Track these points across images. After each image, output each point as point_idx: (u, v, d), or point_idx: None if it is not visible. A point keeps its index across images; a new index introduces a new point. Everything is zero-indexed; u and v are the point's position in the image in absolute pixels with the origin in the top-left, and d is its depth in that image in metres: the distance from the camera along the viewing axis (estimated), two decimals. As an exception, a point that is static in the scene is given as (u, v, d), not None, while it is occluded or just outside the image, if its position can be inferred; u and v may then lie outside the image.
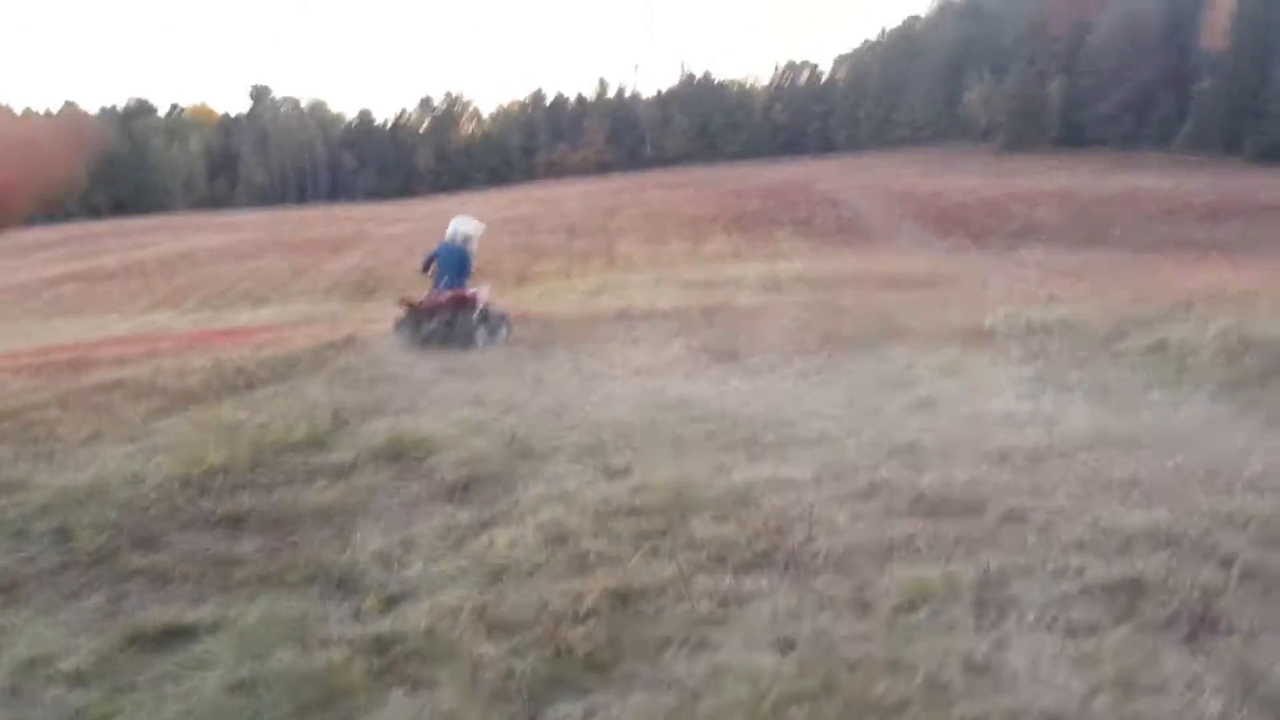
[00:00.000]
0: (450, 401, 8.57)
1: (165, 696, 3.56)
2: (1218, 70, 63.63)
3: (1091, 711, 3.01)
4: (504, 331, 12.50)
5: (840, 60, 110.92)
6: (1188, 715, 2.93)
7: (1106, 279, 18.70)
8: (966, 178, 50.89)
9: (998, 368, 8.87)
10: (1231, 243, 29.53)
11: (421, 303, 12.36)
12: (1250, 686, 3.10)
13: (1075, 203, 38.12)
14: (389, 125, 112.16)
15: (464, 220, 12.88)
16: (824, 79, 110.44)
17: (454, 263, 12.36)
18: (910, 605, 3.86)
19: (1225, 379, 7.80)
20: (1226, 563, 3.98)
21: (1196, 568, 3.95)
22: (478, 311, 12.11)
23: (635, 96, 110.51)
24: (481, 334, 11.99)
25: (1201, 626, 3.51)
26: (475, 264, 12.65)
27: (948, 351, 9.89)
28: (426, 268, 12.89)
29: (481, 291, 12.38)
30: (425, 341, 11.87)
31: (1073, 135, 72.60)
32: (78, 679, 3.76)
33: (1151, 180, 44.80)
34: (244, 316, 24.76)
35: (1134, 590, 3.80)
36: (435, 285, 12.40)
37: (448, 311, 12.03)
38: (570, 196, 54.37)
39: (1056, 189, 41.78)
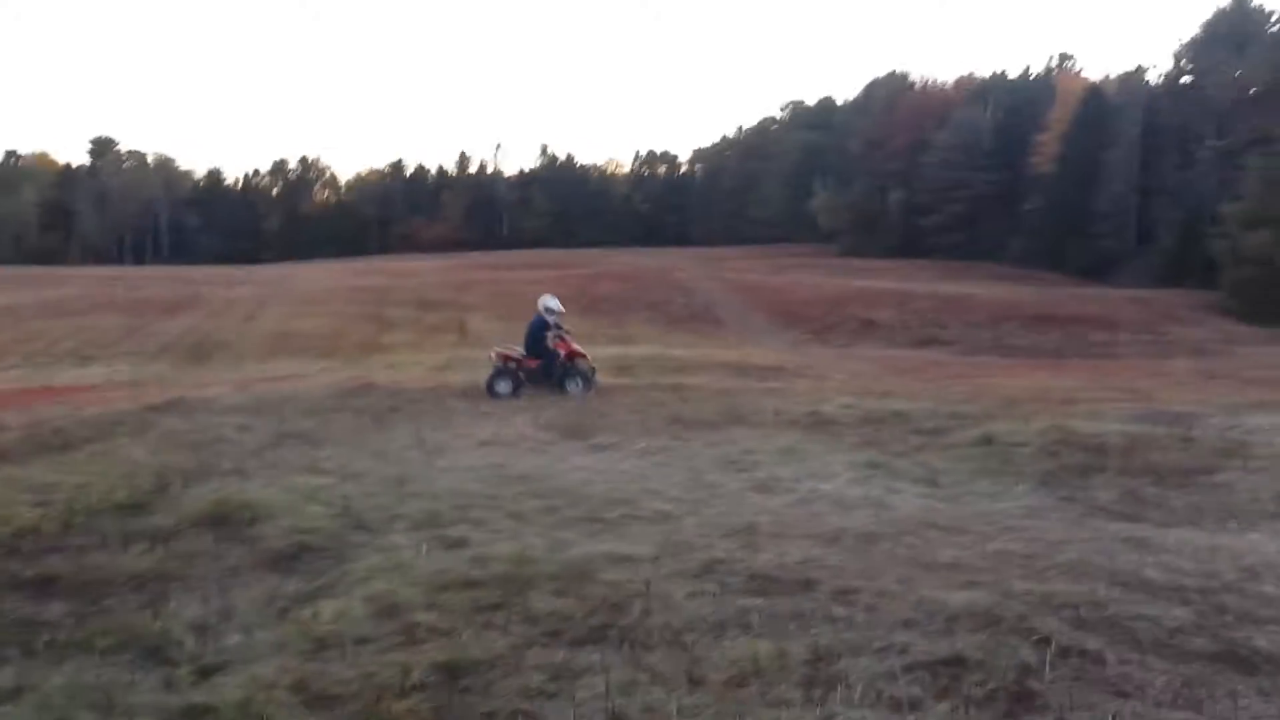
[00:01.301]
0: (284, 468, 8.29)
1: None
2: (1045, 191, 68.16)
3: (911, 785, 3.05)
4: (584, 383, 15.11)
5: (698, 154, 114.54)
6: (1002, 788, 3.00)
7: (939, 377, 19.55)
8: (812, 276, 52.82)
9: (834, 454, 9.12)
10: (1054, 349, 31.37)
11: (518, 355, 15.47)
12: (1061, 761, 3.20)
13: (911, 306, 39.91)
14: (239, 186, 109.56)
15: (547, 297, 15.97)
16: (682, 171, 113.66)
17: (534, 329, 15.53)
18: (741, 680, 3.88)
19: (1046, 472, 8.21)
20: (1042, 643, 4.14)
21: (1014, 647, 4.09)
22: (562, 363, 15.25)
23: (496, 174, 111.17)
24: (573, 384, 14.93)
25: (1018, 704, 3.62)
26: (552, 332, 15.46)
27: (787, 437, 10.13)
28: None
29: (567, 347, 15.49)
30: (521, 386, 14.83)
31: (910, 244, 76.37)
32: None
33: (982, 289, 47.36)
34: (68, 375, 23.45)
35: (955, 668, 3.90)
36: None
37: (540, 362, 15.19)
38: (424, 270, 53.89)
39: (894, 292, 43.69)
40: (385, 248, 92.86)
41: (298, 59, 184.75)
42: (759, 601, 4.80)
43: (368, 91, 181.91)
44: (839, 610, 4.63)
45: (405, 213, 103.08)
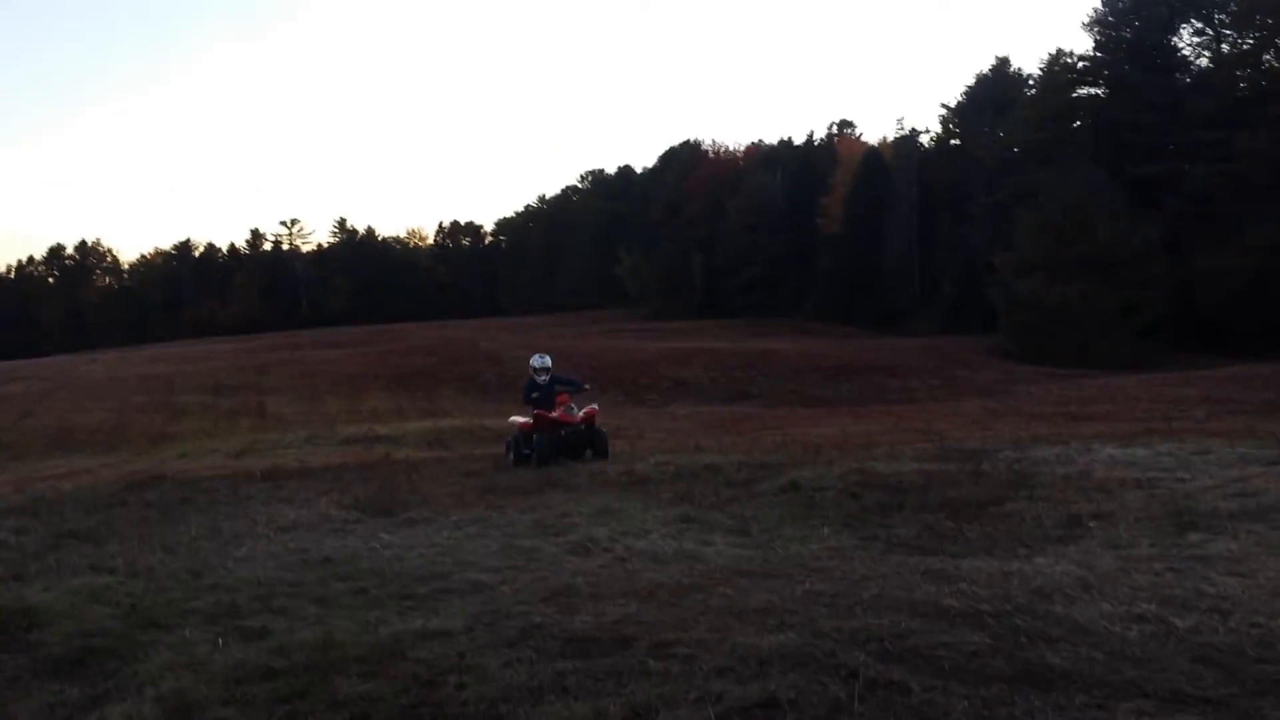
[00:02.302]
0: (65, 569, 7.69)
1: None
2: (834, 249, 71.75)
3: (731, 832, 3.04)
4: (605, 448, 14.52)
5: (502, 224, 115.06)
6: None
7: (748, 428, 20.07)
8: (622, 339, 53.60)
9: (649, 510, 9.17)
10: (853, 397, 32.78)
11: (563, 416, 14.41)
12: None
13: (719, 363, 41.02)
14: (11, 275, 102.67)
15: (536, 356, 15.27)
16: (487, 241, 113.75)
17: (552, 390, 14.80)
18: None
19: (848, 514, 8.50)
20: (850, 677, 4.24)
21: (825, 684, 4.17)
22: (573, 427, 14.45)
23: (293, 251, 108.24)
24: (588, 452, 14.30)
25: (830, 741, 3.68)
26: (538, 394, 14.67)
27: (603, 498, 10.14)
28: (532, 403, 14.68)
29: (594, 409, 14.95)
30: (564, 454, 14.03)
31: (714, 304, 78.83)
32: None
33: (783, 344, 49.23)
34: None
35: (770, 710, 3.95)
36: (569, 409, 14.53)
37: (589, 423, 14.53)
38: (217, 354, 51.71)
39: (703, 350, 44.85)
40: (175, 333, 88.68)
41: (74, 133, 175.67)
42: (576, 664, 4.74)
43: (150, 167, 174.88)
44: (655, 664, 4.62)
45: (195, 295, 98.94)
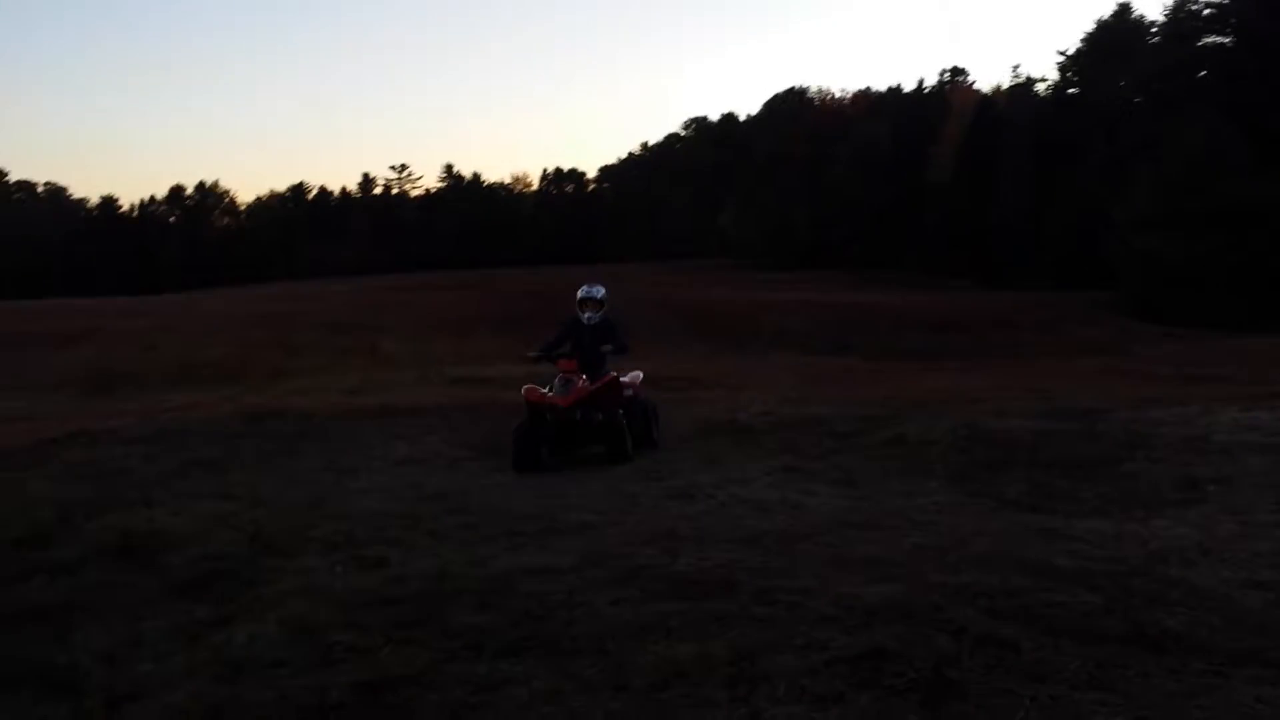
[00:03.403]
0: (192, 496, 8.07)
1: None
2: (943, 201, 69.94)
3: (837, 775, 3.08)
4: (657, 430, 10.54)
5: (605, 171, 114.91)
6: (924, 774, 3.05)
7: (852, 382, 19.87)
8: (723, 289, 53.29)
9: (751, 460, 9.20)
10: (957, 352, 32.10)
11: (552, 395, 9.75)
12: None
13: (822, 315, 40.53)
14: (135, 214, 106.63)
15: (586, 286, 10.70)
16: (590, 188, 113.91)
17: (596, 339, 10.22)
18: (665, 683, 3.87)
19: (956, 469, 8.39)
20: (959, 633, 4.21)
21: (931, 638, 4.16)
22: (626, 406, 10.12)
23: (401, 196, 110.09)
24: (629, 439, 9.78)
25: (937, 693, 3.68)
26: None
27: (706, 445, 10.21)
28: (545, 354, 10.39)
29: (629, 377, 10.59)
30: (557, 451, 9.76)
31: (817, 255, 77.65)
32: None
33: (888, 296, 48.37)
34: (-42, 411, 22.48)
35: (875, 660, 3.95)
36: (567, 380, 9.84)
37: (594, 405, 9.74)
38: (330, 294, 52.97)
39: (805, 302, 44.34)
40: (290, 273, 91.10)
41: (193, 80, 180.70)
42: (680, 605, 4.81)
43: (267, 112, 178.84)
44: (759, 610, 4.66)
45: (309, 237, 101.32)
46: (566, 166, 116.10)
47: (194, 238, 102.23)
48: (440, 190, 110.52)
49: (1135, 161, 51.02)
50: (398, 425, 13.05)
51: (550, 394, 9.70)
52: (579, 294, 10.53)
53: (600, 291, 10.51)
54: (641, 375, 10.98)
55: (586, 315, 10.43)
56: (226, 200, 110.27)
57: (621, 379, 10.26)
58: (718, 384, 20.21)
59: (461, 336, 36.70)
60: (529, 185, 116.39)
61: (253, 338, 34.49)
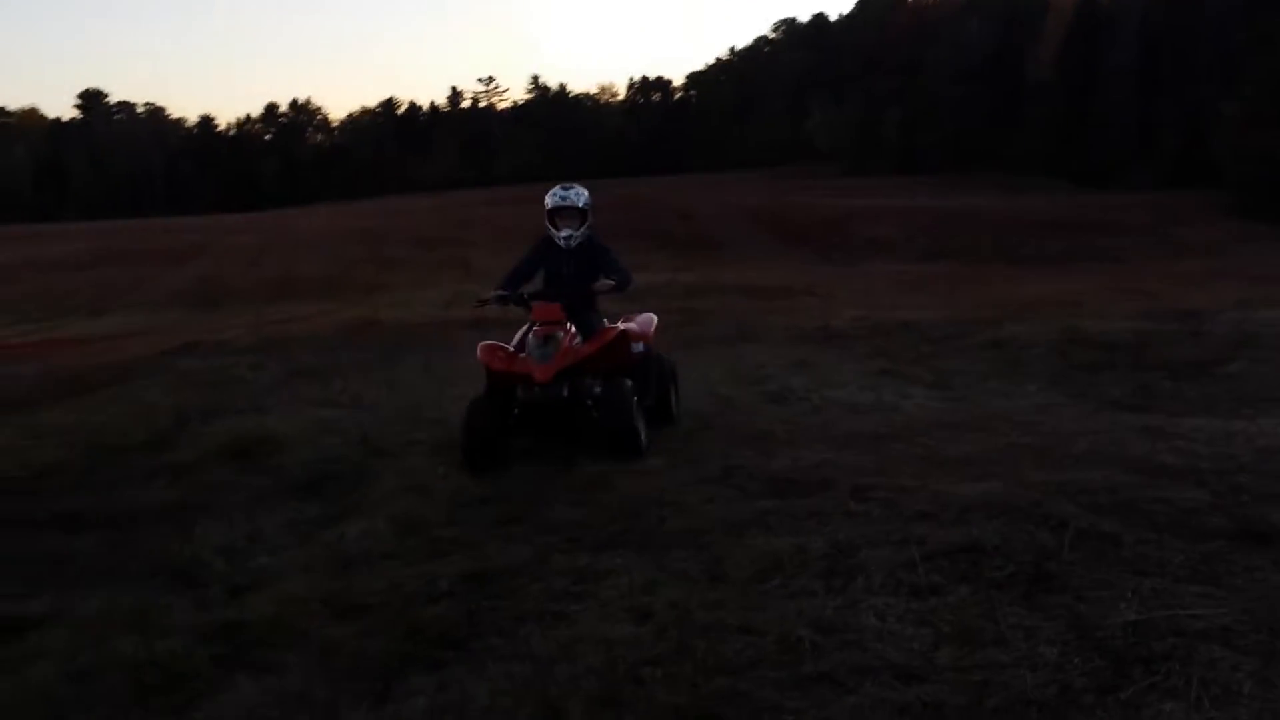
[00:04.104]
0: (299, 402, 8.36)
1: (-7, 690, 3.34)
2: (1044, 100, 67.32)
3: (935, 663, 3.11)
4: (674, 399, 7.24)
5: (692, 78, 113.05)
6: (1026, 663, 3.06)
7: (946, 288, 19.52)
8: (813, 196, 52.43)
9: (844, 364, 9.17)
10: (1060, 257, 31.25)
11: (526, 359, 6.27)
12: (1084, 635, 3.25)
13: (915, 221, 39.70)
14: (232, 133, 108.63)
15: (558, 190, 6.88)
16: (677, 96, 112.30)
17: (583, 269, 6.69)
18: (762, 575, 3.93)
19: (1056, 371, 8.25)
20: (1059, 528, 4.18)
21: (1031, 533, 4.13)
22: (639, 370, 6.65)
23: (489, 109, 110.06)
24: (641, 420, 6.27)
25: (1037, 585, 3.67)
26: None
27: (798, 351, 10.18)
28: (511, 294, 6.77)
29: (639, 325, 7.00)
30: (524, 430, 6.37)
31: (911, 160, 75.63)
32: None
33: (984, 200, 47.06)
34: (81, 326, 23.52)
35: (973, 554, 3.95)
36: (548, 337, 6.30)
37: (588, 374, 6.37)
38: (422, 209, 53.60)
39: (898, 207, 43.46)
40: (381, 189, 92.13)
41: None
42: (776, 502, 4.86)
43: (355, 28, 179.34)
44: (856, 506, 4.68)
45: (399, 152, 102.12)
46: (653, 75, 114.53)
47: (289, 155, 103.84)
48: (527, 102, 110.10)
49: (1245, 56, 48.36)
50: (491, 336, 13.21)
51: (525, 357, 6.21)
52: (549, 200, 6.68)
53: (583, 196, 6.69)
54: (655, 320, 7.13)
55: (564, 234, 6.60)
56: (319, 117, 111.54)
57: (628, 326, 6.76)
58: (808, 292, 20.06)
59: (551, 249, 36.91)
60: (615, 95, 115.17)
61: (348, 253, 35.20)
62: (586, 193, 6.69)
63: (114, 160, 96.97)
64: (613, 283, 6.41)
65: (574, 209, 6.61)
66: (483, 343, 6.46)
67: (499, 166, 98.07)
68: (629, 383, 6.19)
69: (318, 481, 5.93)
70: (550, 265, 6.68)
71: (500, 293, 6.64)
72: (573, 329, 6.27)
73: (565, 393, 6.12)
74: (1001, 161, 69.64)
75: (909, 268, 29.61)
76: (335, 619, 3.85)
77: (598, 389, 6.24)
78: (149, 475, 6.22)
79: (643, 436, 6.08)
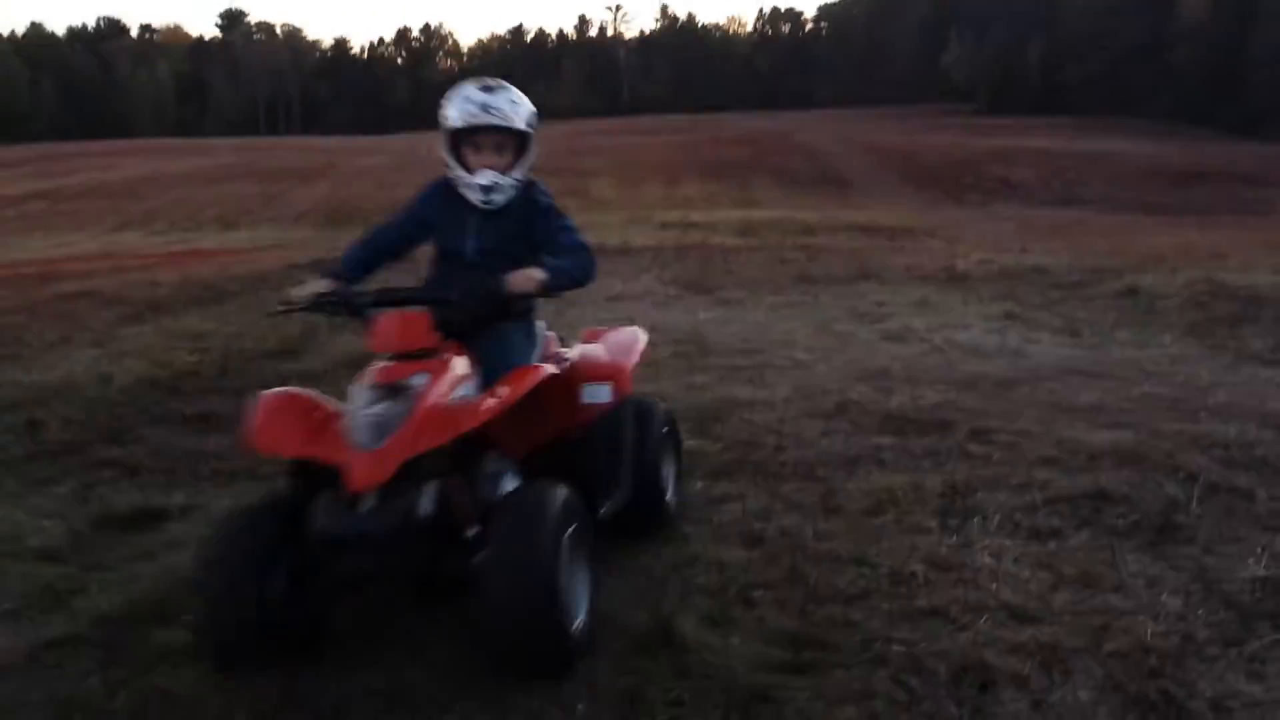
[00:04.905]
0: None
1: (136, 574, 3.56)
2: (1195, 40, 63.70)
3: (1052, 606, 3.07)
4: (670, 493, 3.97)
5: (824, 9, 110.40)
6: (1147, 611, 2.99)
7: (1080, 234, 18.81)
8: (945, 135, 50.82)
9: (968, 306, 8.96)
10: (1200, 206, 29.77)
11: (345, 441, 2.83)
12: (1209, 588, 3.17)
13: (1052, 163, 38.22)
14: (365, 56, 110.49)
15: (467, 92, 3.42)
16: (807, 29, 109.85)
17: (501, 249, 3.35)
18: (876, 509, 3.92)
19: (1193, 322, 7.91)
20: (1189, 480, 4.06)
21: (1160, 484, 4.02)
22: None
23: (616, 38, 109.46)
24: (583, 577, 2.97)
25: (1163, 535, 3.58)
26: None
27: (920, 291, 9.97)
28: (344, 292, 3.35)
29: (604, 354, 3.91)
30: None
31: (1050, 99, 72.61)
32: (47, 556, 3.75)
33: (1127, 144, 45.00)
34: (214, 239, 24.44)
35: (1097, 501, 3.87)
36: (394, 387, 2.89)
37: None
38: (545, 136, 53.54)
39: (1033, 149, 41.86)
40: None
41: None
42: (892, 440, 4.82)
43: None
44: (975, 448, 4.62)
45: (526, 80, 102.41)
46: (784, 6, 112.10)
47: (418, 79, 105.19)
48: (654, 32, 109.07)
49: None
50: (610, 263, 13.27)
51: (345, 436, 2.83)
52: (455, 110, 3.42)
53: (522, 108, 3.43)
54: (643, 342, 4.15)
55: (481, 180, 3.39)
56: (449, 43, 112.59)
57: (579, 356, 3.77)
58: (933, 233, 19.53)
59: (670, 182, 36.74)
60: (744, 27, 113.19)
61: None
62: (528, 103, 3.44)
63: (252, 79, 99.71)
64: (544, 276, 3.15)
65: (503, 131, 3.36)
66: (268, 395, 3.09)
67: (624, 95, 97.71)
68: (562, 491, 2.92)
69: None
70: (446, 236, 3.45)
71: (321, 292, 3.31)
72: (461, 367, 3.03)
73: (409, 516, 2.78)
74: (1147, 104, 66.37)
75: (1041, 212, 28.58)
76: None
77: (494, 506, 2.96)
78: (278, 381, 6.43)
79: (577, 621, 2.82)
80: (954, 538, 3.61)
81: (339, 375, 6.50)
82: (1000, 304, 9.02)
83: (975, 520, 3.75)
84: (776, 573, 3.34)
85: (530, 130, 3.34)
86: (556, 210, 3.38)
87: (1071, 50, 73.36)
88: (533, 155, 3.37)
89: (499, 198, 3.28)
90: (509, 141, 3.30)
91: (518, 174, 3.31)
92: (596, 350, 3.80)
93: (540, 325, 3.47)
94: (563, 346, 3.64)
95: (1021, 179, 36.09)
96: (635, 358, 3.82)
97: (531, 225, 3.31)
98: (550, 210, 3.36)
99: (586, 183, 34.04)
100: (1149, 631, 2.84)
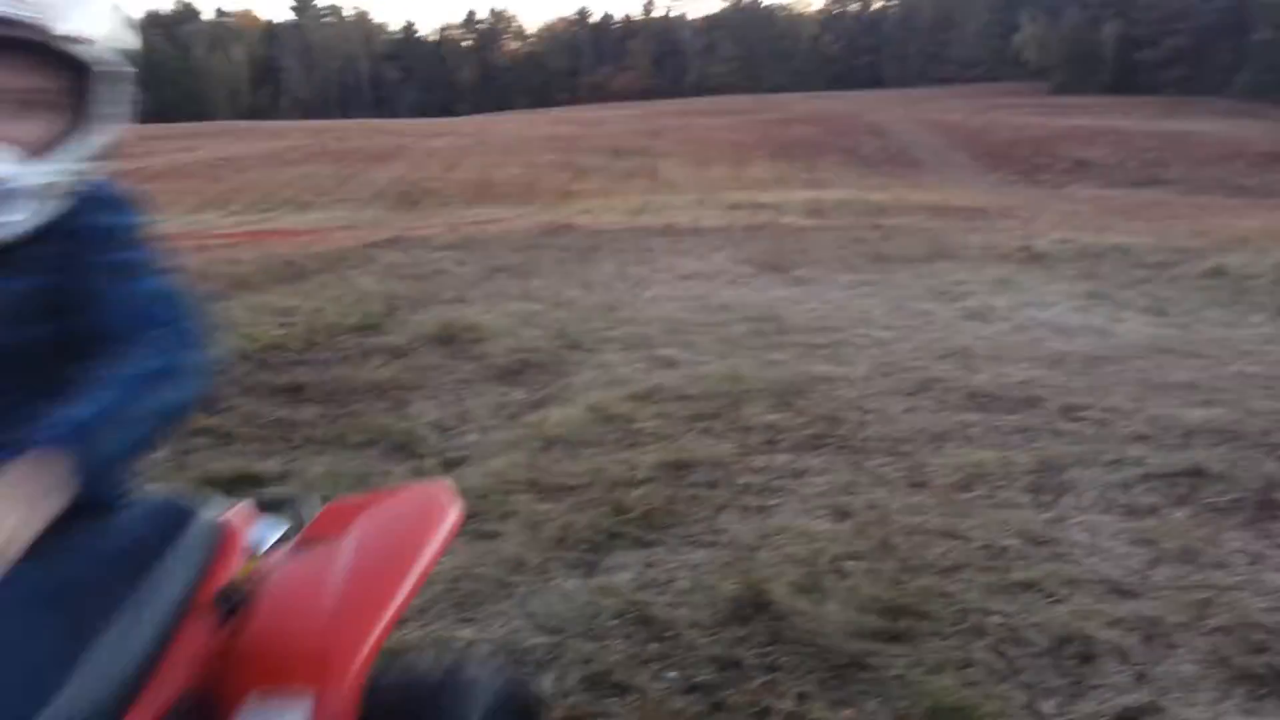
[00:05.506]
0: (500, 296, 8.63)
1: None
2: (1277, 17, 61.63)
3: (1151, 581, 3.02)
4: None
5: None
6: (1251, 587, 2.94)
7: (1160, 215, 18.37)
8: (1018, 115, 49.85)
9: (1050, 285, 8.81)
10: (1286, 189, 28.90)
11: None
12: (1313, 566, 3.10)
13: (1129, 144, 37.34)
14: (433, 39, 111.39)
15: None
16: (876, 8, 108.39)
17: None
18: (965, 484, 3.88)
19: (1285, 303, 7.71)
20: (1288, 457, 3.97)
21: (1259, 461, 3.94)
22: None
23: (681, 19, 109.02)
24: None
25: (1263, 512, 3.51)
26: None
27: (999, 270, 9.82)
28: None
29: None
30: None
31: (1126, 80, 70.90)
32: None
33: (1206, 125, 43.78)
34: (290, 219, 24.87)
35: (1194, 478, 3.80)
36: None
37: None
38: (613, 119, 53.89)
39: (1110, 129, 40.92)
40: (574, 98, 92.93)
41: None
42: (979, 416, 4.76)
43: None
44: (1066, 425, 4.55)
45: (593, 62, 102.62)
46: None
47: (486, 62, 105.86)
48: (721, 13, 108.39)
49: None
50: (682, 243, 13.32)
51: None
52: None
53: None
54: (452, 516, 1.59)
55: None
56: (515, 25, 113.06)
57: (309, 576, 1.47)
58: (1008, 214, 19.21)
59: (738, 162, 36.55)
60: (810, 6, 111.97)
61: (542, 160, 35.79)
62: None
63: (324, 63, 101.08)
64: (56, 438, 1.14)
65: (28, 51, 1.22)
66: None
67: (690, 77, 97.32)
68: None
69: (519, 370, 6.13)
70: None
71: None
72: None
73: None
74: (1226, 84, 64.44)
75: (1118, 193, 27.95)
76: (542, 496, 4.02)
77: None
78: (363, 355, 6.58)
79: None
80: (1047, 513, 3.57)
81: (423, 351, 6.64)
82: (1083, 283, 8.86)
83: (1068, 497, 3.70)
84: (866, 544, 3.33)
85: (102, 61, 1.31)
86: (134, 240, 1.41)
87: (1149, 28, 71.49)
88: (114, 120, 1.36)
89: (15, 217, 1.27)
90: (46, 78, 1.28)
91: (66, 159, 1.31)
92: (325, 572, 1.47)
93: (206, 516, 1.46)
94: (271, 543, 1.59)
95: (1097, 159, 35.33)
96: (410, 582, 1.45)
97: (76, 286, 1.33)
98: (120, 241, 1.39)
99: (655, 164, 34.03)
100: (1254, 607, 2.79)
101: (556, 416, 5.06)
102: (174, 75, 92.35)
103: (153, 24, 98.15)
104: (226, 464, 4.45)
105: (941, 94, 70.26)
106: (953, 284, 9.06)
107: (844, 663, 2.59)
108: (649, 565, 3.32)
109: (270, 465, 4.46)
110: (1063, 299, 8.07)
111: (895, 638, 2.72)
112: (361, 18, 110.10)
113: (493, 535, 3.64)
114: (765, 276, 10.21)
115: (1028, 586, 3.00)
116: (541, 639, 2.90)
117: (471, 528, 3.75)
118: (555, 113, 69.21)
